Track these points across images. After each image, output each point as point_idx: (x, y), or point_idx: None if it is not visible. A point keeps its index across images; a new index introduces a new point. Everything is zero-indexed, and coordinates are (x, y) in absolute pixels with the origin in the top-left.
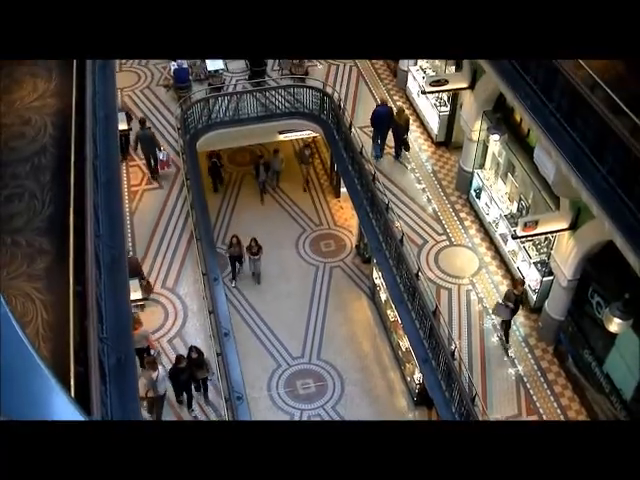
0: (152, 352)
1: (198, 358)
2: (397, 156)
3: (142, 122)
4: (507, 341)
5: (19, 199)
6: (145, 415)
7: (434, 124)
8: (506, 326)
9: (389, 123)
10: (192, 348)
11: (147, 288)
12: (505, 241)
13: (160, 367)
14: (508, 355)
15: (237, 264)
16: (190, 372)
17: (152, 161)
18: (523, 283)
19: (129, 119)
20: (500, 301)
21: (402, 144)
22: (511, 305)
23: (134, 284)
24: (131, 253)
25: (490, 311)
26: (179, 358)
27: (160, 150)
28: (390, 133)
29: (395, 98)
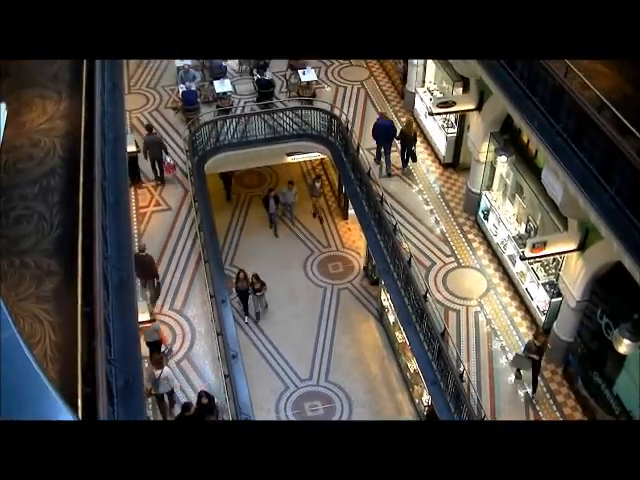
0: (162, 348)
1: (209, 404)
2: (404, 166)
3: (149, 128)
4: (534, 391)
5: (27, 221)
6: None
7: (442, 145)
8: (534, 376)
9: (392, 135)
10: (202, 394)
11: (157, 290)
12: (513, 262)
13: (166, 367)
14: (517, 377)
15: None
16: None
17: (157, 166)
18: (545, 333)
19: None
20: (520, 352)
21: (409, 155)
22: (535, 357)
23: (142, 305)
24: (147, 251)
25: (509, 362)
26: (187, 407)
27: (167, 154)
28: (398, 144)
29: (402, 120)
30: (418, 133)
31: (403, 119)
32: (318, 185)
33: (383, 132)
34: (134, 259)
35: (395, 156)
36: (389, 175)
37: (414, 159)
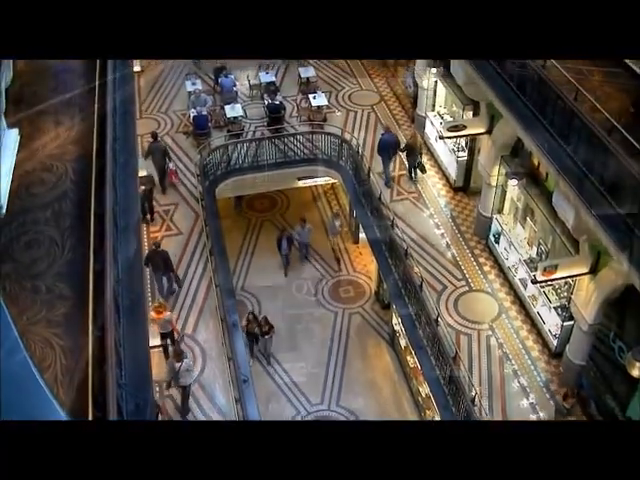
0: (176, 337)
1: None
2: (412, 178)
3: (154, 135)
4: None
5: (39, 245)
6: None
7: (452, 169)
8: None
9: (395, 150)
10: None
11: (177, 280)
12: (525, 286)
13: (185, 359)
14: (529, 401)
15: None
16: None
17: (160, 173)
18: (573, 395)
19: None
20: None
21: (418, 166)
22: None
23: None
24: (162, 248)
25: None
26: None
27: (170, 160)
28: (404, 157)
29: (407, 133)
30: (428, 157)
31: (407, 131)
32: (337, 223)
33: (387, 146)
34: (148, 254)
35: (404, 180)
36: (387, 185)
37: (423, 171)
